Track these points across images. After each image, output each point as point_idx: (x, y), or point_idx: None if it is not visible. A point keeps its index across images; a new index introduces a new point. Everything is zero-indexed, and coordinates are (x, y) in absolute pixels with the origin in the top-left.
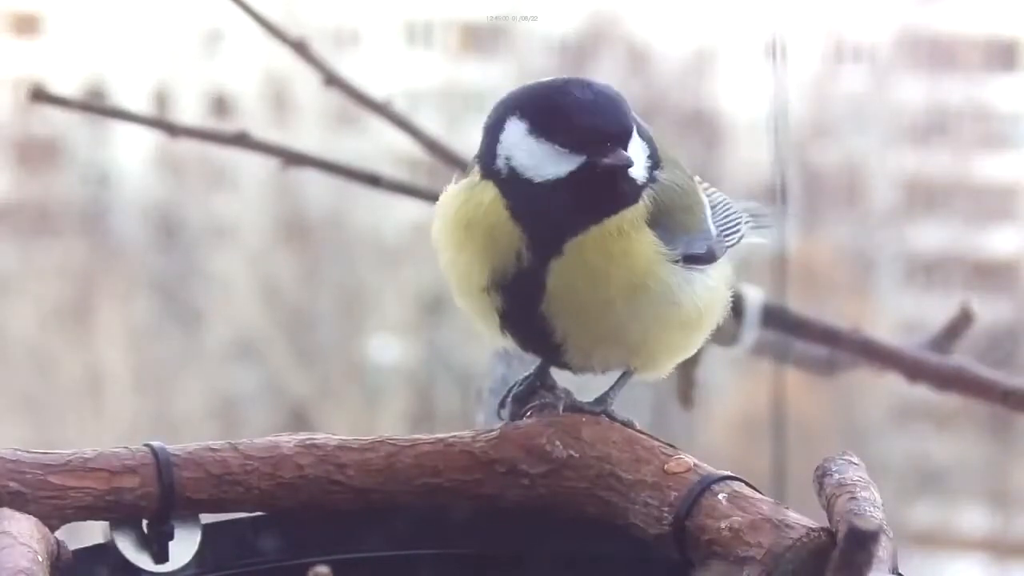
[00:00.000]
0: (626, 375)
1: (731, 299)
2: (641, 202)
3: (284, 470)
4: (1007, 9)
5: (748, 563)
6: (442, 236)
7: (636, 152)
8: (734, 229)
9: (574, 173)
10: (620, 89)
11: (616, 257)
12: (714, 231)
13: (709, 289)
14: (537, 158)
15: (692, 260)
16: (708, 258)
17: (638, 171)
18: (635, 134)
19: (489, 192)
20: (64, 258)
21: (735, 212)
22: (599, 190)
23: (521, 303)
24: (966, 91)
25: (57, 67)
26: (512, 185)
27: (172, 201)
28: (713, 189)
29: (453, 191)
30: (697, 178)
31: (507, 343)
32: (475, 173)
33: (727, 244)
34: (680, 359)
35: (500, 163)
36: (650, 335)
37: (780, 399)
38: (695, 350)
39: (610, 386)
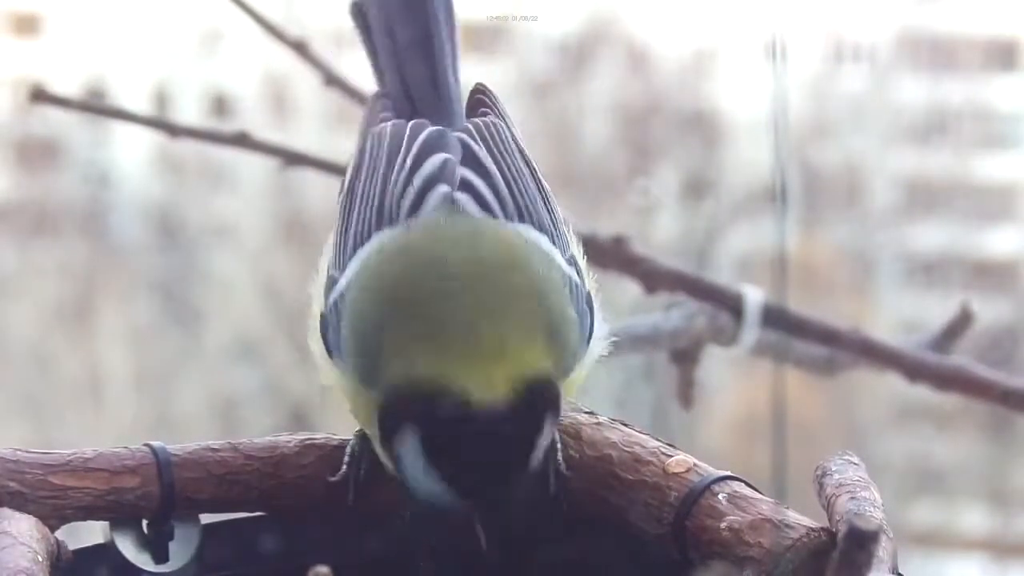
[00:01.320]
0: None
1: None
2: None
3: (284, 470)
4: (1007, 9)
5: (748, 563)
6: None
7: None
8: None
9: (452, 511)
10: (620, 89)
11: None
12: (585, 293)
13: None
14: (421, 478)
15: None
16: (591, 321)
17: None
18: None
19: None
20: (64, 258)
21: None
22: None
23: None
24: (966, 91)
25: (57, 67)
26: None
27: (172, 201)
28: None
29: (369, 414)
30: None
31: None
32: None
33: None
34: None
35: (398, 452)
36: None
37: (780, 399)
38: None
39: None
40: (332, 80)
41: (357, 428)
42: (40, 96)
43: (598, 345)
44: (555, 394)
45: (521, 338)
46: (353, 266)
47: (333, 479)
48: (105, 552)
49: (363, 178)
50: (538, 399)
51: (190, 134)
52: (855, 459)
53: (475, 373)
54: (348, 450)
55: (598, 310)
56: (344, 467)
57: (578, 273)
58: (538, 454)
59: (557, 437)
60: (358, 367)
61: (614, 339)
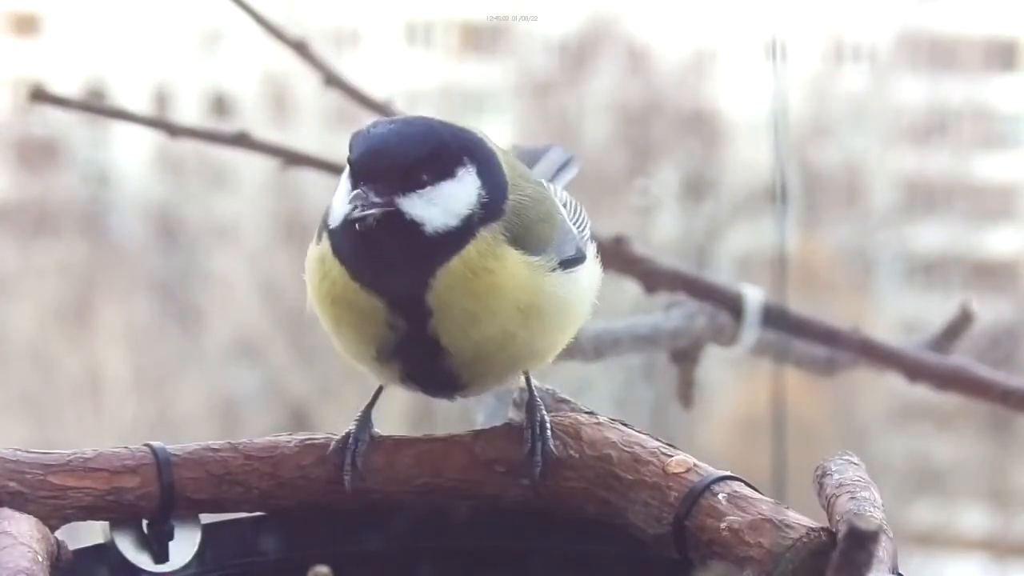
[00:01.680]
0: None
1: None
2: (493, 231)
3: (284, 470)
4: (1007, 9)
5: (748, 563)
6: (316, 308)
7: (448, 197)
8: (585, 221)
9: (346, 215)
10: (621, 89)
11: (487, 295)
12: (575, 230)
13: (589, 286)
14: (339, 196)
15: (568, 264)
16: (579, 257)
17: (436, 217)
18: (460, 171)
19: (331, 260)
20: (64, 258)
21: (578, 205)
22: (388, 238)
23: (420, 362)
24: (966, 91)
25: (57, 67)
26: (331, 235)
27: (172, 201)
28: (556, 187)
29: (313, 257)
30: (543, 182)
31: (385, 378)
32: (325, 234)
33: (587, 237)
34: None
35: (330, 206)
36: (550, 345)
37: (780, 399)
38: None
39: (530, 394)
40: (332, 80)
41: (355, 417)
42: (40, 96)
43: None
44: (487, 147)
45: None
46: None
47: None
48: (105, 552)
49: None
50: (474, 137)
51: (190, 134)
52: (855, 459)
53: None
54: (345, 432)
55: (585, 245)
56: (334, 444)
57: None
58: (452, 172)
59: (547, 417)
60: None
61: (615, 338)
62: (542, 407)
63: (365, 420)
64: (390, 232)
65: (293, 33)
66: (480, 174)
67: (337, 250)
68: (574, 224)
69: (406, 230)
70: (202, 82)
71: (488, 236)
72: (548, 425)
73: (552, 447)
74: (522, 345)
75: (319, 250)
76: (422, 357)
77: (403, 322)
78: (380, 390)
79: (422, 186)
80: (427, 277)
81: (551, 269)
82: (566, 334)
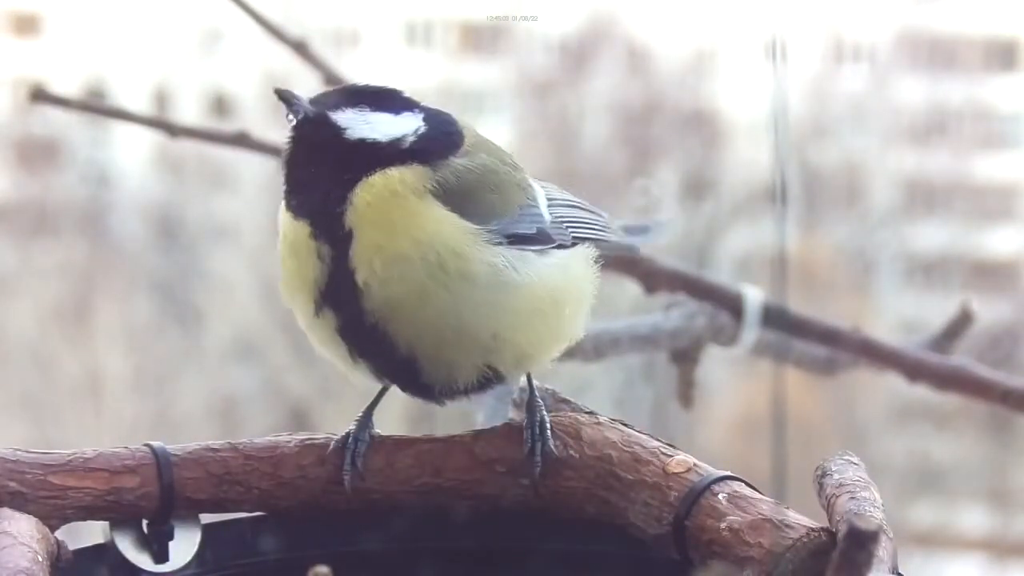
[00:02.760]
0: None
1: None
2: (423, 174)
3: (284, 470)
4: (1007, 9)
5: (748, 563)
6: (281, 277)
7: (381, 121)
8: (585, 223)
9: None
10: (621, 89)
11: (399, 224)
12: (547, 216)
13: (554, 268)
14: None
15: (520, 240)
16: (541, 239)
17: (358, 126)
18: (405, 114)
19: (284, 214)
20: (64, 258)
21: (590, 212)
22: (312, 143)
23: (348, 311)
24: (966, 91)
25: (57, 67)
26: (284, 176)
27: (172, 201)
28: (557, 188)
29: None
30: (522, 168)
31: (363, 375)
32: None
33: (574, 233)
34: (552, 351)
35: None
36: (501, 327)
37: (780, 399)
38: (569, 339)
39: (530, 394)
40: (332, 80)
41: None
42: (40, 96)
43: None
44: (448, 116)
45: None
46: None
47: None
48: (105, 552)
49: None
50: (439, 111)
51: (190, 134)
52: (855, 459)
53: None
54: (345, 432)
55: (560, 234)
56: (334, 443)
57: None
58: (394, 110)
59: (547, 417)
60: None
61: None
62: (543, 407)
63: (365, 420)
64: (316, 137)
65: (293, 33)
66: (426, 120)
67: (285, 197)
68: (560, 216)
69: (331, 134)
70: (202, 82)
71: (417, 172)
72: (548, 425)
73: (552, 447)
74: (451, 313)
75: (280, 217)
76: (348, 302)
77: (328, 248)
78: (383, 391)
79: (356, 107)
80: (347, 191)
81: (493, 241)
82: (529, 326)
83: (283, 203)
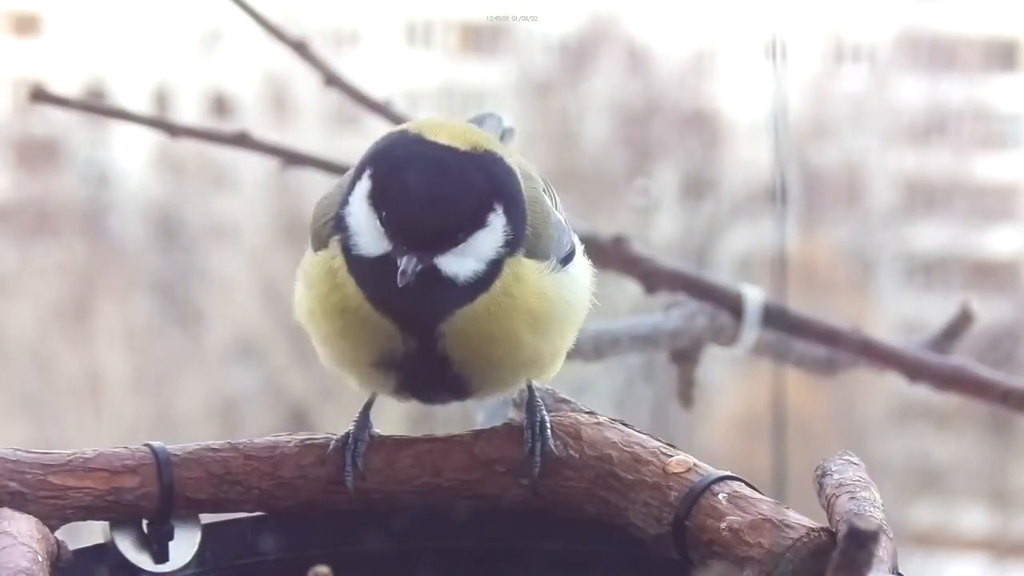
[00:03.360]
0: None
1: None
2: (515, 255)
3: (284, 470)
4: (1007, 9)
5: (748, 563)
6: (315, 316)
7: (480, 246)
8: (557, 198)
9: (382, 259)
10: (621, 88)
11: (506, 319)
12: (562, 217)
13: (585, 280)
14: (363, 227)
15: (566, 260)
16: (572, 251)
17: (467, 267)
18: (491, 218)
19: (344, 276)
20: (64, 258)
21: (547, 180)
22: (395, 290)
23: (421, 375)
24: (966, 91)
25: (57, 67)
26: (351, 259)
27: (172, 201)
28: (532, 168)
29: (319, 266)
30: (528, 169)
31: (382, 391)
32: (333, 241)
33: (570, 227)
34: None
35: (345, 219)
36: (558, 348)
37: (780, 399)
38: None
39: (530, 394)
40: (332, 80)
41: (354, 419)
42: (40, 96)
43: (578, 261)
44: (510, 176)
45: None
46: None
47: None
48: (105, 552)
49: None
50: (497, 166)
51: (190, 134)
52: (855, 459)
53: (443, 133)
54: (345, 432)
55: (572, 234)
56: (333, 444)
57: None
58: (485, 222)
59: (547, 417)
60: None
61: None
62: (543, 407)
63: (364, 420)
64: (425, 284)
65: (293, 33)
66: (507, 212)
67: (355, 272)
68: (558, 209)
69: (440, 283)
70: (202, 82)
71: (511, 262)
72: (548, 425)
73: (552, 447)
74: (531, 351)
75: (326, 261)
76: (428, 371)
77: (414, 342)
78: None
79: (457, 244)
80: (449, 314)
81: (554, 270)
82: (572, 334)
83: (334, 264)
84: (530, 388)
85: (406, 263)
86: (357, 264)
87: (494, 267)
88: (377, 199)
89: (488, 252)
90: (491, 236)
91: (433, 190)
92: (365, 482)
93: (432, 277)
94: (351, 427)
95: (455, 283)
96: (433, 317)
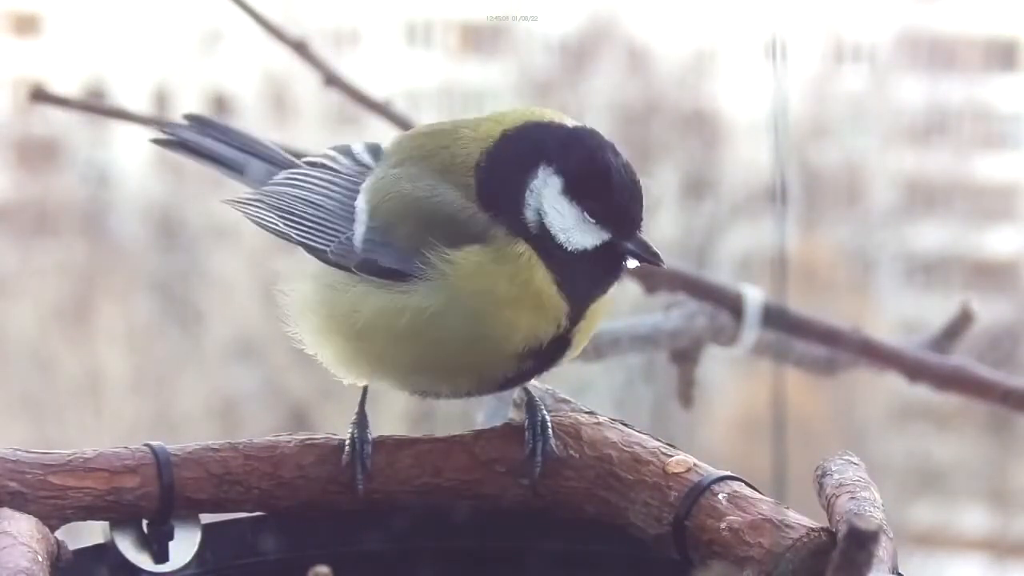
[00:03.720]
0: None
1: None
2: None
3: (284, 470)
4: (1007, 9)
5: (748, 563)
6: (492, 308)
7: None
8: None
9: (599, 248)
10: (620, 89)
11: (602, 309)
12: None
13: None
14: (569, 222)
15: None
16: None
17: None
18: None
19: (530, 259)
20: (64, 258)
21: None
22: (613, 267)
23: (546, 361)
24: (966, 91)
25: (57, 67)
26: (547, 249)
27: (172, 201)
28: None
29: (481, 261)
30: None
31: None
32: (498, 232)
33: None
34: None
35: (530, 215)
36: None
37: (780, 399)
38: None
39: (530, 394)
40: (332, 80)
41: (352, 420)
42: (40, 96)
43: None
44: None
45: None
46: None
47: (344, 462)
48: (105, 552)
49: None
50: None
51: None
52: (855, 459)
53: (555, 116)
54: (348, 436)
55: None
56: (346, 451)
57: None
58: None
59: (547, 417)
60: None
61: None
62: (543, 407)
63: (365, 419)
64: (623, 263)
65: (293, 33)
66: None
67: (557, 264)
68: None
69: (620, 261)
70: (202, 82)
71: None
72: (549, 425)
73: (553, 446)
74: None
75: (499, 247)
76: (552, 355)
77: (567, 323)
78: (367, 388)
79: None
80: (598, 296)
81: None
82: None
83: (524, 257)
84: (528, 389)
85: (638, 247)
86: (562, 257)
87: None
88: (579, 193)
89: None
90: None
91: (631, 176)
92: (370, 483)
93: (617, 254)
94: (352, 429)
95: (625, 261)
96: (599, 296)
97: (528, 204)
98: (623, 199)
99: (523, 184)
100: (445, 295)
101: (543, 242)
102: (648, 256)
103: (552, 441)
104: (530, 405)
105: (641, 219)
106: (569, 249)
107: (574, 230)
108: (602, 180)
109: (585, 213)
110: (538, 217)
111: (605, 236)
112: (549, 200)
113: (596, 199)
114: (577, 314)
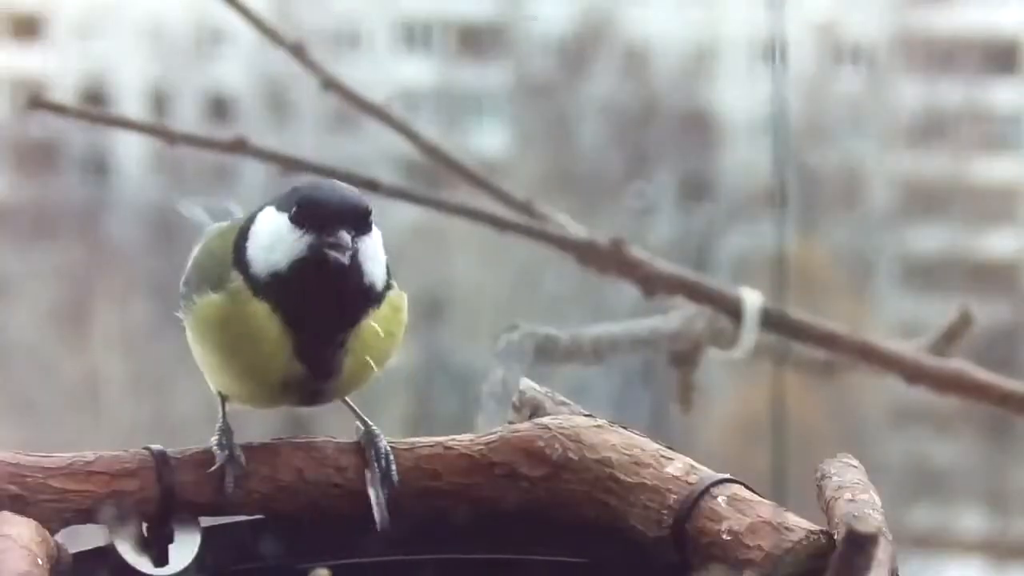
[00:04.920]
0: None
1: None
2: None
3: (283, 473)
4: (1007, 10)
5: (747, 566)
6: (220, 351)
7: (374, 247)
8: None
9: (304, 258)
10: (618, 91)
11: (395, 334)
12: None
13: None
14: (275, 236)
15: None
16: None
17: (375, 266)
18: (374, 232)
19: (243, 295)
20: (62, 260)
21: None
22: (325, 271)
23: (320, 383)
24: (965, 93)
25: (57, 69)
26: (263, 279)
27: (171, 204)
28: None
29: (217, 304)
30: None
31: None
32: (231, 281)
33: None
34: None
35: (249, 254)
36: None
37: (779, 402)
38: None
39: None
40: (330, 83)
41: (220, 421)
42: (38, 103)
43: None
44: None
45: None
46: None
47: (211, 470)
48: (105, 555)
49: None
50: None
51: (188, 141)
52: (854, 462)
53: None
54: (216, 441)
55: None
56: (216, 453)
57: None
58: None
59: (388, 448)
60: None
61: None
62: (380, 436)
63: (229, 426)
64: (344, 276)
65: (291, 36)
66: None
67: (269, 289)
68: None
69: (357, 275)
70: (200, 84)
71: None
72: (391, 458)
73: (394, 477)
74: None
75: (229, 295)
76: (323, 377)
77: (315, 355)
78: (225, 398)
79: (369, 227)
80: (362, 317)
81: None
82: None
83: (238, 296)
84: (365, 421)
85: (341, 238)
86: (273, 280)
87: (387, 275)
88: (285, 205)
89: (382, 257)
90: (378, 243)
91: (336, 185)
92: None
93: (353, 266)
94: (220, 436)
95: (371, 279)
96: (349, 320)
97: (247, 245)
98: (323, 195)
99: (245, 233)
100: (192, 335)
101: (259, 278)
102: (335, 252)
103: (393, 470)
104: (371, 435)
105: (349, 214)
106: (280, 269)
107: (281, 243)
108: (302, 191)
109: (287, 217)
110: (253, 250)
111: (310, 240)
112: (261, 225)
113: (299, 203)
114: (315, 337)
